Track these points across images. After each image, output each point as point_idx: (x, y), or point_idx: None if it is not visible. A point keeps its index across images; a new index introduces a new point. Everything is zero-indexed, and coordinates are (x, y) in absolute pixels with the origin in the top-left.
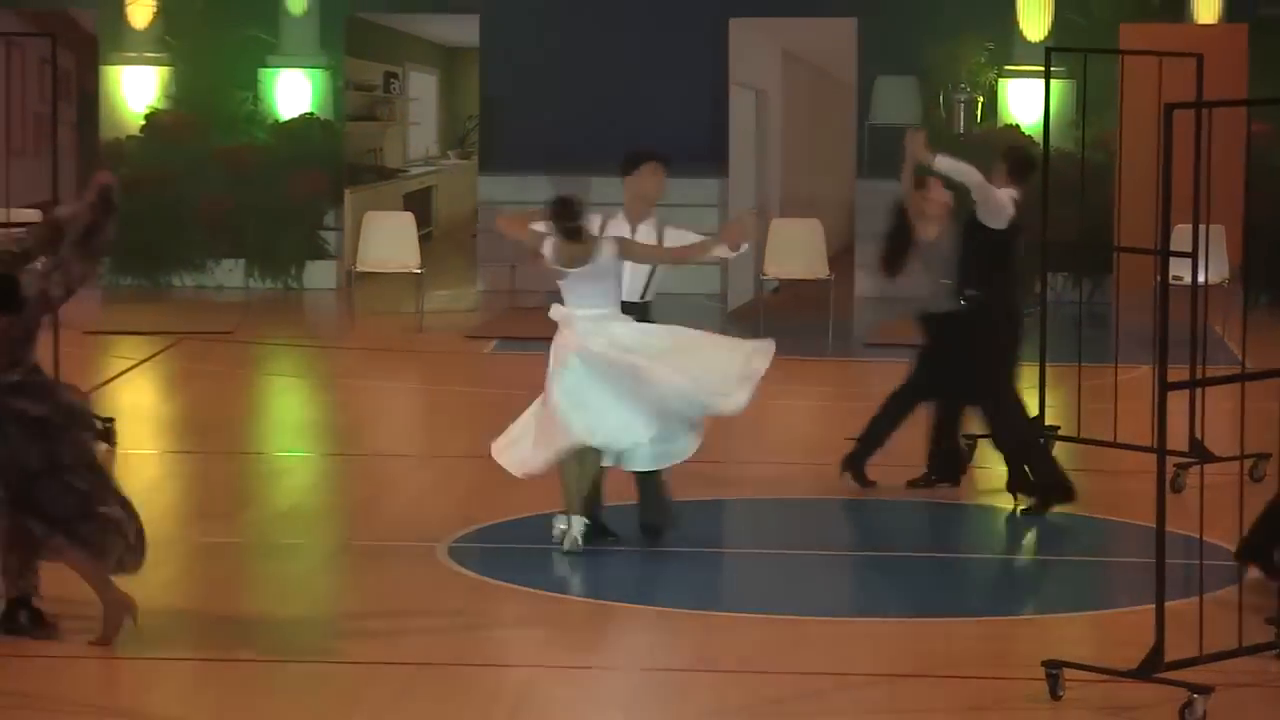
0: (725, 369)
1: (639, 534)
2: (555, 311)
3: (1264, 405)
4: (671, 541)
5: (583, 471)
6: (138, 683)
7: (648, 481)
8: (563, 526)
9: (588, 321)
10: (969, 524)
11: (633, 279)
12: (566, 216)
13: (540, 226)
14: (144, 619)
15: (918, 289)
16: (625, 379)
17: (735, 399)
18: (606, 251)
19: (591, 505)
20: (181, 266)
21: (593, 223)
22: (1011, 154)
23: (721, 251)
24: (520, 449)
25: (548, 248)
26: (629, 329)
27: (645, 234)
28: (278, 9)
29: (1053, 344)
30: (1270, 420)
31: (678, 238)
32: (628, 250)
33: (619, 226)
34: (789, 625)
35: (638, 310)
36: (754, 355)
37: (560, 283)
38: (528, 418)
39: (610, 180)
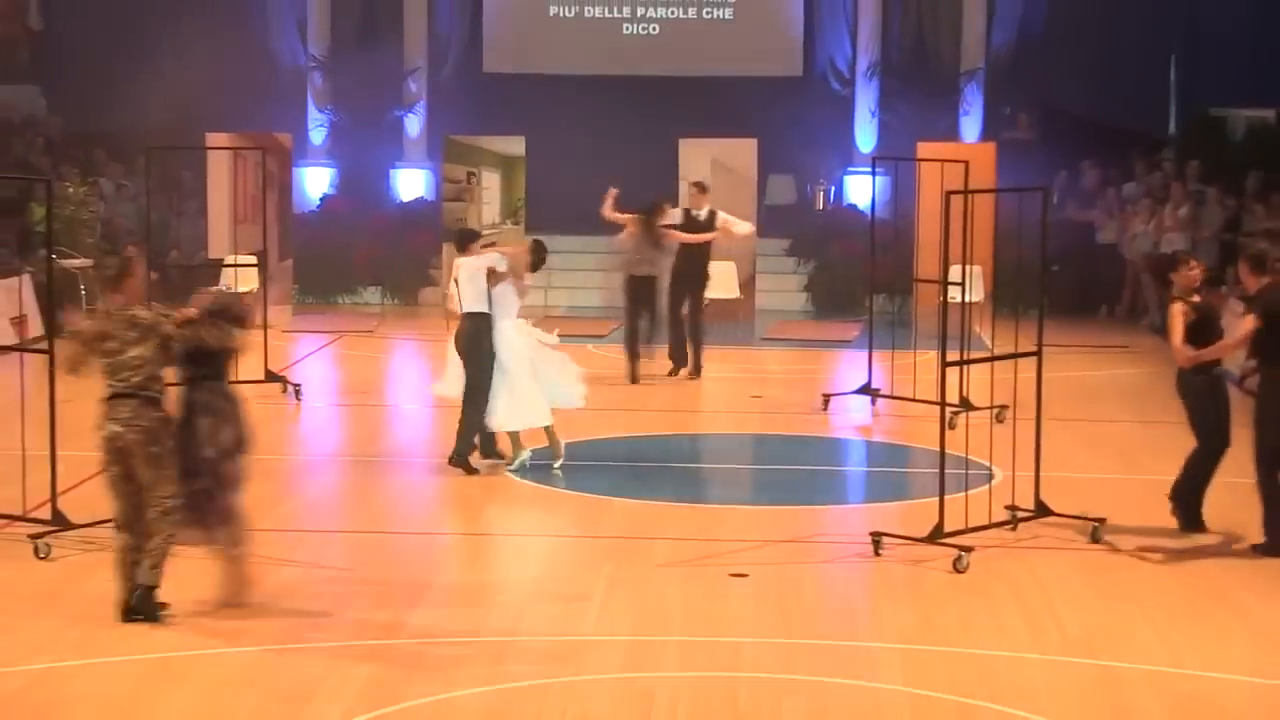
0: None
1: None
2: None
3: (1005, 376)
4: (642, 460)
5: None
6: (312, 546)
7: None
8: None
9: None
10: (828, 449)
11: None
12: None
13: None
14: (327, 499)
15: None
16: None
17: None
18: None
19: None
20: (342, 290)
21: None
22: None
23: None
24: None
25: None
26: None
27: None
28: (402, 134)
29: (877, 337)
30: (1008, 385)
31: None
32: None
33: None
34: (713, 511)
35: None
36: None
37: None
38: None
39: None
